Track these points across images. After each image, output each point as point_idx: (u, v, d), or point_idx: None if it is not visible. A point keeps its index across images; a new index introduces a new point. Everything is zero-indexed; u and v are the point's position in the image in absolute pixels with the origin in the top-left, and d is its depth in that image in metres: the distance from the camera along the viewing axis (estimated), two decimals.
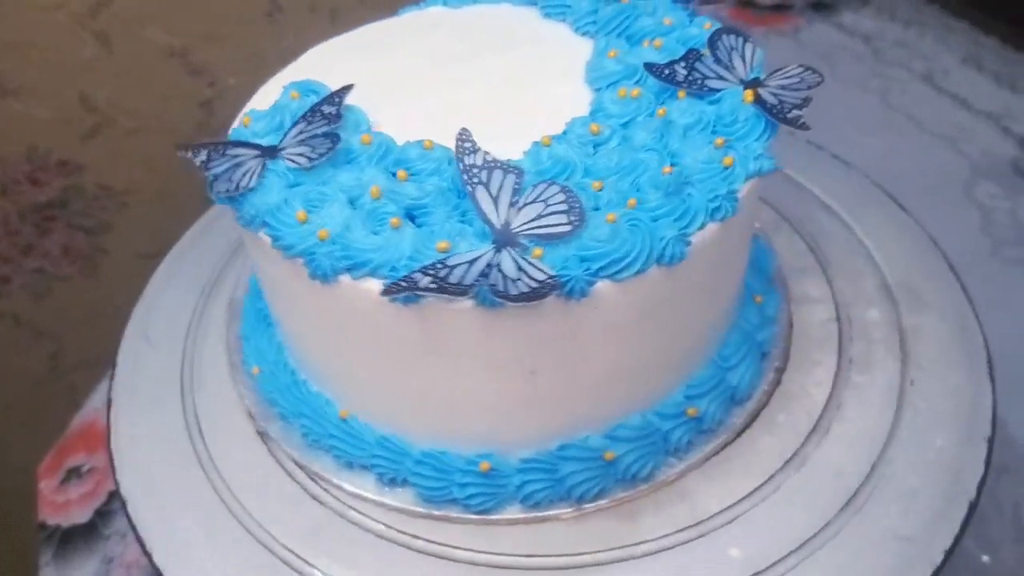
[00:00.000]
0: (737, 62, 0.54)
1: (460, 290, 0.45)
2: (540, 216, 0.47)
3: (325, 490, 0.56)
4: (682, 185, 0.49)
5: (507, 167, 0.49)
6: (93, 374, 0.89)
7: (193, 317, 0.67)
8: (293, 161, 0.51)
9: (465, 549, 0.53)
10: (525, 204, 0.47)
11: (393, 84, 0.58)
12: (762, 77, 0.53)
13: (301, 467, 0.57)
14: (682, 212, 0.48)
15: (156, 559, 0.54)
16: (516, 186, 0.48)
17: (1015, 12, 1.19)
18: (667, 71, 0.54)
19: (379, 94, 0.56)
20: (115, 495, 0.79)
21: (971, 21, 1.23)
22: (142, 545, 0.55)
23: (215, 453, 0.59)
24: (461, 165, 0.49)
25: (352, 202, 0.50)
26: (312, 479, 0.56)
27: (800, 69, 0.54)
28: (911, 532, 0.53)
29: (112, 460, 0.60)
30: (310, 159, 0.51)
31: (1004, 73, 1.18)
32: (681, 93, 0.54)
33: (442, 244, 0.46)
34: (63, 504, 0.82)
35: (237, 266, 0.70)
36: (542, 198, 0.48)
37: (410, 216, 0.49)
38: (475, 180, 0.48)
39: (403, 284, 0.45)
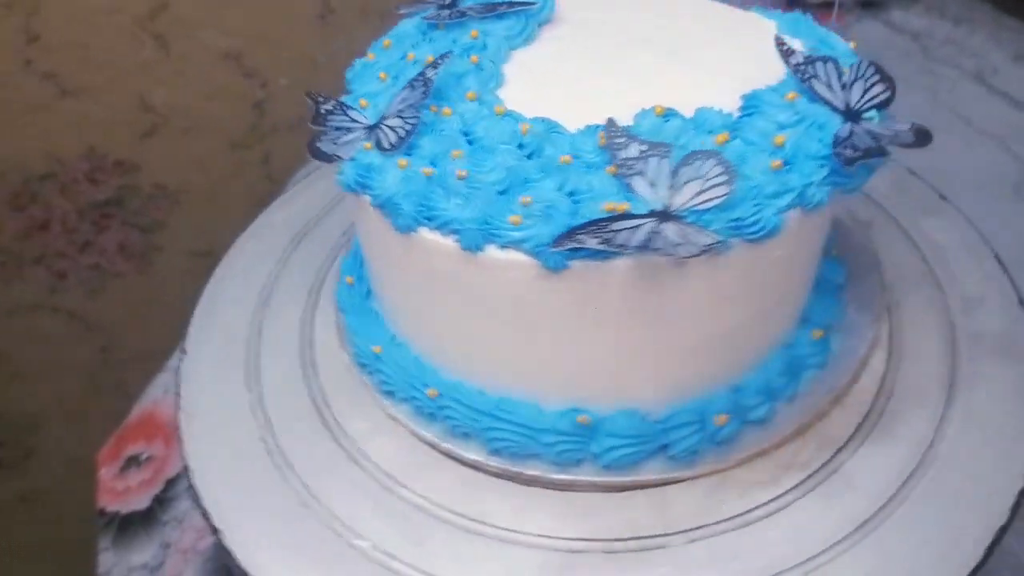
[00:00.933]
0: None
1: (621, 253, 0.46)
2: (700, 192, 0.47)
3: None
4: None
5: (660, 150, 0.49)
6: (144, 367, 0.91)
7: (258, 304, 0.68)
8: (382, 142, 0.53)
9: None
10: (685, 182, 0.48)
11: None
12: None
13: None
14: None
15: (220, 530, 0.55)
16: (671, 167, 0.48)
17: None
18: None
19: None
20: (172, 482, 0.81)
21: (1022, 17, 1.22)
22: (207, 518, 0.56)
23: (281, 436, 0.60)
24: (615, 159, 0.49)
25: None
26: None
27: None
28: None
29: (180, 435, 0.61)
30: (392, 144, 0.53)
31: None
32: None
33: (609, 205, 0.47)
34: (123, 491, 0.84)
35: (296, 261, 0.72)
36: (700, 174, 0.48)
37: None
38: (631, 171, 0.48)
39: (568, 243, 0.46)
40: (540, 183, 0.50)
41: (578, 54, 0.60)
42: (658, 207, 0.47)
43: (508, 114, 0.54)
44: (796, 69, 0.54)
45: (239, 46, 1.20)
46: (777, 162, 0.49)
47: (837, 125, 0.51)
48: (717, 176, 0.47)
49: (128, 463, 0.85)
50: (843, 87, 0.53)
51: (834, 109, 0.52)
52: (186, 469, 0.60)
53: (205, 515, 0.57)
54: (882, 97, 0.53)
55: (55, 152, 1.20)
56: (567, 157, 0.51)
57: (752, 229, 0.48)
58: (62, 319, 1.34)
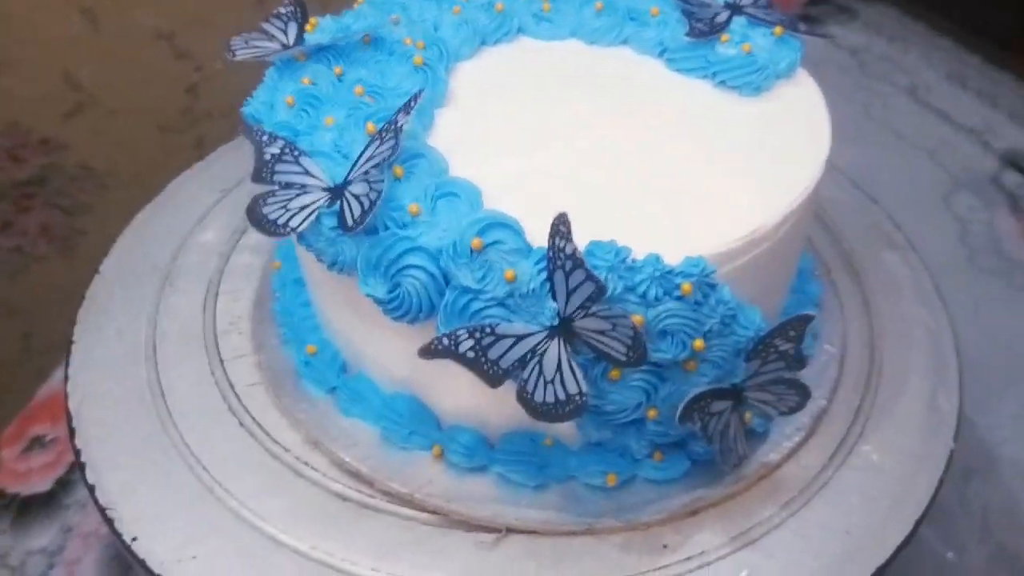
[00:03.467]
0: None
1: (493, 376, 0.46)
2: (604, 332, 0.46)
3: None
4: None
5: (594, 277, 0.45)
6: (64, 354, 0.88)
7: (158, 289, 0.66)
8: (346, 217, 0.47)
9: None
10: (594, 315, 0.46)
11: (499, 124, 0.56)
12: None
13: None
14: None
15: (116, 522, 0.54)
16: (594, 296, 0.46)
17: (999, 32, 1.21)
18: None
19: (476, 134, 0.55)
20: (76, 465, 0.78)
21: (955, 39, 1.25)
22: (99, 507, 0.55)
23: (178, 418, 0.59)
24: (551, 243, 0.45)
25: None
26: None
27: None
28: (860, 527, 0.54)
29: (69, 420, 0.59)
30: (355, 220, 0.47)
31: (987, 90, 1.20)
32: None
33: (509, 273, 0.46)
34: (24, 473, 0.81)
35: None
36: (613, 320, 0.46)
37: None
38: (558, 264, 0.45)
39: (444, 342, 0.46)
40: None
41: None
42: (561, 313, 0.46)
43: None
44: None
45: (172, 27, 1.17)
46: None
47: None
48: (625, 336, 0.46)
49: (32, 444, 0.82)
50: None
51: None
52: (76, 452, 0.58)
53: (96, 500, 0.55)
54: None
55: None
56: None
57: None
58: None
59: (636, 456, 0.55)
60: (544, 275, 0.46)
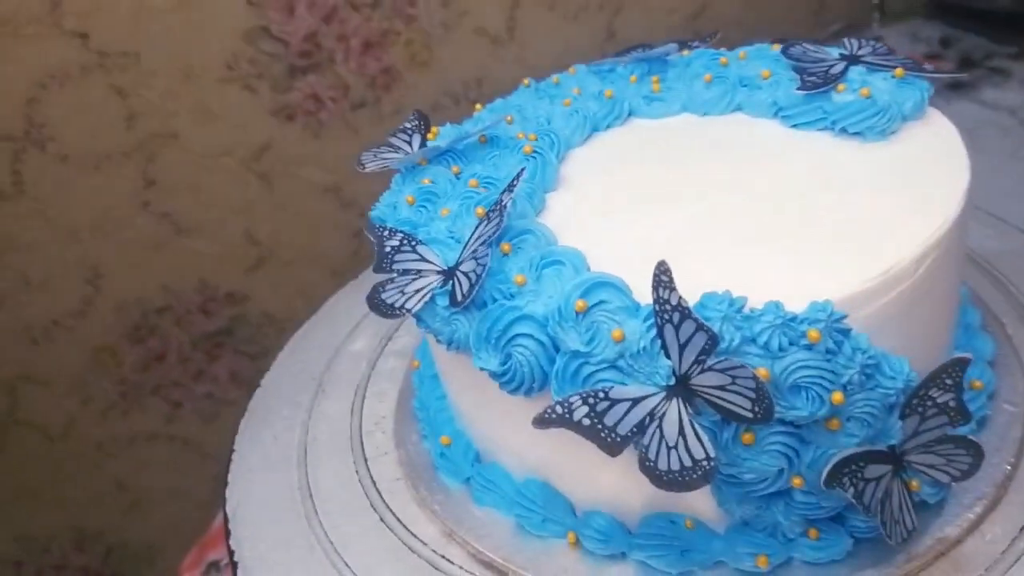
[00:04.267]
0: None
1: (612, 444, 0.44)
2: (724, 387, 0.44)
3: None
4: None
5: (704, 327, 0.43)
6: None
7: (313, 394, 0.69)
8: (456, 293, 0.48)
9: None
10: (711, 368, 0.44)
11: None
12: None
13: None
14: None
15: None
16: (707, 348, 0.43)
17: None
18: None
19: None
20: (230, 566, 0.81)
21: None
22: None
23: (323, 516, 0.59)
24: (655, 295, 0.43)
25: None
26: None
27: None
28: None
29: (226, 522, 0.61)
30: (464, 295, 0.48)
31: None
32: None
33: (617, 333, 0.45)
34: None
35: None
36: (731, 372, 0.43)
37: None
38: (666, 318, 0.44)
39: (558, 410, 0.45)
40: None
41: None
42: (677, 371, 0.44)
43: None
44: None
45: (337, 180, 1.27)
46: None
47: None
48: (747, 389, 0.43)
49: (208, 569, 0.85)
50: None
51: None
52: (230, 553, 0.59)
53: None
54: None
55: (171, 286, 1.28)
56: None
57: None
58: (178, 447, 1.39)
59: (788, 535, 0.50)
60: (654, 332, 0.44)
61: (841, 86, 0.56)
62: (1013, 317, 0.63)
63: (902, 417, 0.47)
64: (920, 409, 0.47)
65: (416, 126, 0.63)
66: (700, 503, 0.50)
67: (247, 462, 0.66)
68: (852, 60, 0.58)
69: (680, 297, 0.43)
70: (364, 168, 0.61)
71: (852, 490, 0.46)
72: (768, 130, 0.59)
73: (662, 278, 0.43)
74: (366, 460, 0.63)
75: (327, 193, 1.27)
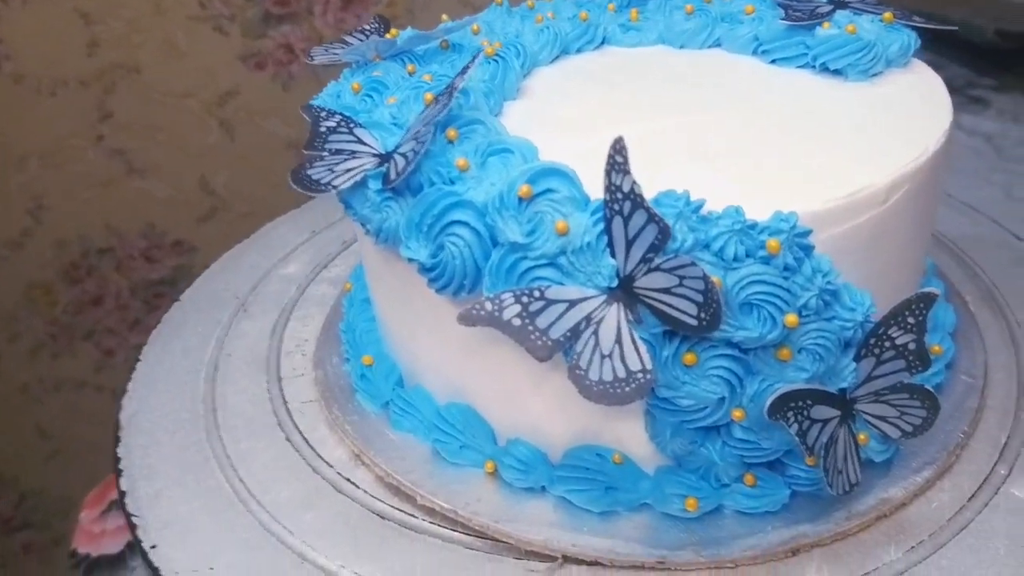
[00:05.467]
0: None
1: (542, 348, 0.41)
2: (669, 290, 0.40)
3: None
4: None
5: (656, 218, 0.39)
6: None
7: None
8: (390, 172, 0.45)
9: None
10: (658, 268, 0.40)
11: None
12: None
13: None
14: None
15: (139, 529, 0.49)
16: (657, 243, 0.40)
17: None
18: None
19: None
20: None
21: None
22: (127, 516, 0.50)
23: (224, 431, 0.55)
24: (606, 180, 0.39)
25: None
26: None
27: None
28: None
29: (116, 429, 0.56)
30: (398, 172, 0.44)
31: None
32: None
33: (561, 224, 0.40)
34: (98, 535, 0.79)
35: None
36: (679, 272, 0.39)
37: None
38: (616, 209, 0.40)
39: (487, 307, 0.41)
40: None
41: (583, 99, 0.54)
42: (621, 271, 0.40)
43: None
44: None
45: (302, 136, 1.22)
46: None
47: None
48: (694, 291, 0.39)
49: (110, 506, 0.81)
50: None
51: None
52: (116, 460, 0.54)
53: (124, 507, 0.51)
54: None
55: (116, 227, 1.23)
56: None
57: None
58: (106, 398, 1.32)
59: (723, 479, 0.46)
60: (600, 228, 0.40)
61: (827, 24, 0.53)
62: (976, 296, 0.60)
63: (857, 359, 0.44)
64: (877, 351, 0.43)
65: (376, 28, 0.59)
66: (630, 436, 0.46)
67: (152, 372, 0.61)
68: (841, 5, 0.55)
69: (634, 182, 0.39)
70: (313, 60, 0.56)
71: (796, 427, 0.42)
72: (746, 65, 0.56)
73: (616, 159, 0.39)
74: (280, 380, 0.58)
75: (291, 149, 1.22)
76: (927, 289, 0.43)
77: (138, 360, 0.63)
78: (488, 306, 0.41)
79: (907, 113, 0.49)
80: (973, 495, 0.47)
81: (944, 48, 1.34)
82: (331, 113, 0.49)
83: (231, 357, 0.61)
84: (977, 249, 0.64)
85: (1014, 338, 0.56)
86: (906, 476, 0.47)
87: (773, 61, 0.55)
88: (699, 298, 0.39)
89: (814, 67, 0.54)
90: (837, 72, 0.53)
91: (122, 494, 0.52)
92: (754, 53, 0.56)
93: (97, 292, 1.26)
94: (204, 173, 1.22)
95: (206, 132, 1.19)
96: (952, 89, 0.51)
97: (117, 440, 0.56)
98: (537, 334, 0.41)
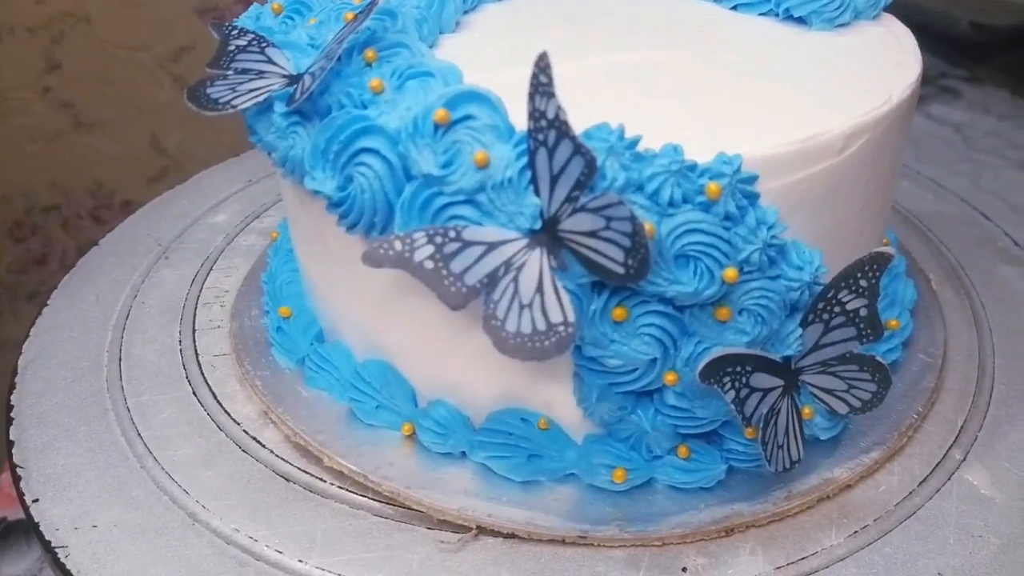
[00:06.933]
0: None
1: (456, 295, 0.36)
2: (595, 234, 0.36)
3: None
4: None
5: (583, 149, 0.35)
6: None
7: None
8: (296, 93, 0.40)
9: None
10: (584, 208, 0.36)
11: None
12: None
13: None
14: None
15: (22, 482, 0.45)
16: (583, 178, 0.36)
17: None
18: None
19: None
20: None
21: None
22: (11, 467, 0.46)
23: (127, 383, 0.50)
24: (529, 104, 0.35)
25: None
26: None
27: None
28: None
29: (13, 376, 0.52)
30: (303, 91, 0.40)
31: None
32: None
33: (481, 155, 0.36)
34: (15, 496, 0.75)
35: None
36: (606, 212, 0.35)
37: None
38: (540, 139, 0.35)
39: (396, 246, 0.36)
40: None
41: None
42: (544, 212, 0.36)
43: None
44: None
45: None
46: None
47: None
48: (621, 234, 0.35)
49: None
50: None
51: None
52: (8, 409, 0.50)
53: (10, 457, 0.47)
54: None
55: (62, 184, 1.18)
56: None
57: None
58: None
59: (655, 451, 0.42)
60: (523, 162, 0.36)
61: None
62: (940, 275, 0.56)
63: (803, 324, 0.40)
64: (825, 316, 0.40)
65: None
66: (559, 400, 0.42)
67: (58, 318, 0.56)
68: None
69: (559, 108, 0.34)
70: None
71: (732, 394, 0.38)
72: (705, 9, 0.52)
73: (540, 79, 0.34)
74: (194, 331, 0.54)
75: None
76: (880, 249, 0.39)
77: (45, 304, 0.58)
78: (397, 245, 0.37)
79: (872, 62, 0.46)
80: (924, 480, 0.44)
81: (917, 37, 1.33)
82: (243, 32, 0.45)
83: (144, 305, 0.56)
84: (943, 226, 0.60)
85: (977, 319, 0.53)
86: (853, 456, 0.44)
87: (735, 7, 0.51)
88: (626, 242, 0.35)
89: (777, 15, 0.50)
90: (801, 20, 0.49)
91: (10, 444, 0.48)
92: (714, 0, 0.52)
93: (42, 251, 1.21)
94: (155, 131, 1.17)
95: (158, 88, 1.14)
96: (924, 79, 0.48)
97: (12, 387, 0.51)
98: (451, 279, 0.37)
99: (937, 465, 0.44)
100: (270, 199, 0.66)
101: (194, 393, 0.50)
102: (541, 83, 0.34)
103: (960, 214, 0.62)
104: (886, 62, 0.46)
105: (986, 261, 0.57)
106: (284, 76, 0.41)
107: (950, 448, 0.45)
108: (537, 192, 0.36)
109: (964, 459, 0.45)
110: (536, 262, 0.37)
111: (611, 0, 0.54)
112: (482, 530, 0.42)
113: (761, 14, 0.50)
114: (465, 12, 0.51)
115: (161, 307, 0.56)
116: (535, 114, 0.35)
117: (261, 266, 0.58)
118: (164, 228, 0.64)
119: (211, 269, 0.59)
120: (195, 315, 0.55)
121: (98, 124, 1.15)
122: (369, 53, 0.40)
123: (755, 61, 0.46)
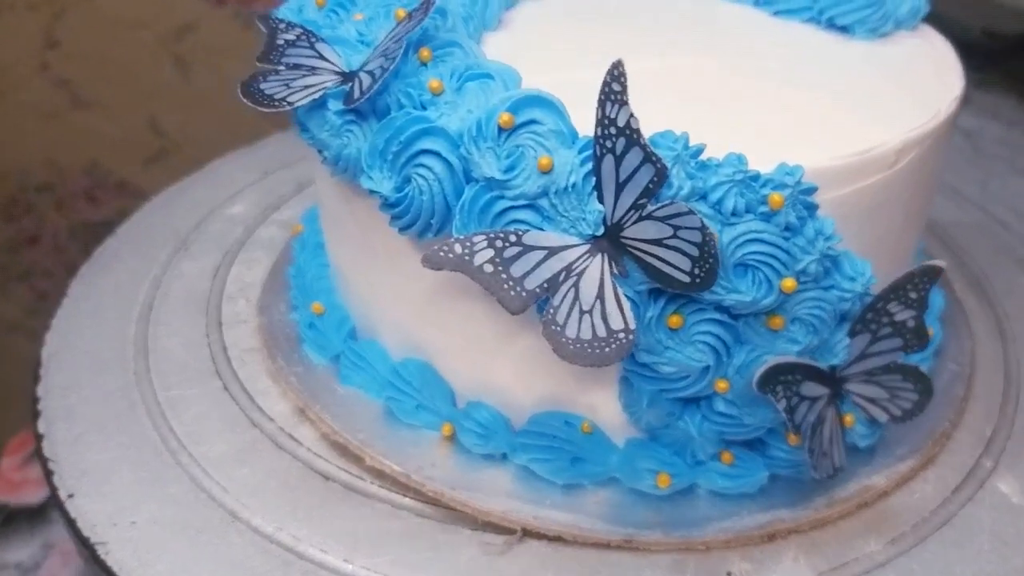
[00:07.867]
0: None
1: (515, 299, 0.36)
2: (661, 241, 0.36)
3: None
4: None
5: (653, 157, 0.35)
6: None
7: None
8: (353, 91, 0.40)
9: None
10: (650, 216, 0.36)
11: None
12: None
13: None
14: None
15: (55, 476, 0.45)
16: (651, 186, 0.36)
17: None
18: None
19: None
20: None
21: None
22: (42, 461, 0.46)
23: (155, 376, 0.50)
24: (599, 110, 0.35)
25: None
26: None
27: None
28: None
29: (37, 368, 0.51)
30: (362, 92, 0.39)
31: None
32: None
33: (544, 160, 0.36)
34: (19, 483, 0.74)
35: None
36: (674, 221, 0.35)
37: None
38: (607, 146, 0.35)
39: (456, 249, 0.36)
40: None
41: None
42: (608, 219, 0.36)
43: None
44: None
45: None
46: None
47: None
48: (689, 243, 0.35)
49: (33, 454, 0.76)
50: None
51: None
52: (35, 401, 0.49)
53: (40, 451, 0.46)
54: None
55: (57, 163, 1.16)
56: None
57: None
58: (38, 344, 1.25)
59: (699, 456, 0.43)
60: (588, 167, 0.36)
61: None
62: (963, 284, 0.57)
63: (851, 334, 0.41)
64: (873, 326, 0.40)
65: None
66: (603, 404, 0.42)
67: (79, 308, 0.55)
68: None
69: (631, 116, 0.34)
70: None
71: (785, 403, 0.39)
72: (747, 14, 0.52)
73: (613, 86, 0.34)
74: (220, 325, 0.54)
75: None
76: (932, 261, 0.39)
77: (65, 295, 0.57)
78: (457, 248, 0.37)
79: (917, 75, 0.46)
80: (957, 488, 0.44)
81: None
82: (291, 26, 0.44)
83: (167, 298, 0.56)
84: (963, 235, 0.61)
85: (1002, 330, 0.53)
86: (889, 464, 0.45)
87: (776, 13, 0.51)
88: (694, 252, 0.35)
89: (819, 22, 0.50)
90: (844, 29, 0.49)
91: (39, 436, 0.47)
92: (755, 4, 0.52)
93: (35, 231, 1.19)
94: (154, 112, 1.15)
95: (159, 68, 1.13)
96: None
97: (37, 378, 0.51)
98: (511, 283, 0.36)
99: (969, 473, 0.45)
100: (287, 191, 0.66)
101: (225, 388, 0.49)
102: (614, 91, 0.34)
103: (977, 222, 0.63)
104: (930, 74, 0.46)
105: (1007, 270, 0.58)
106: (337, 73, 0.41)
107: (980, 456, 0.46)
108: (600, 198, 0.36)
109: (995, 467, 0.46)
110: (597, 268, 0.37)
111: (647, 3, 0.54)
112: (527, 532, 0.42)
113: (803, 20, 0.50)
114: (506, 9, 0.51)
115: (184, 300, 0.56)
116: (604, 121, 0.35)
117: (284, 259, 0.58)
118: (179, 218, 0.63)
119: (233, 262, 0.59)
120: (220, 309, 0.55)
121: (96, 103, 1.13)
122: (424, 52, 0.40)
123: (801, 69, 0.46)
